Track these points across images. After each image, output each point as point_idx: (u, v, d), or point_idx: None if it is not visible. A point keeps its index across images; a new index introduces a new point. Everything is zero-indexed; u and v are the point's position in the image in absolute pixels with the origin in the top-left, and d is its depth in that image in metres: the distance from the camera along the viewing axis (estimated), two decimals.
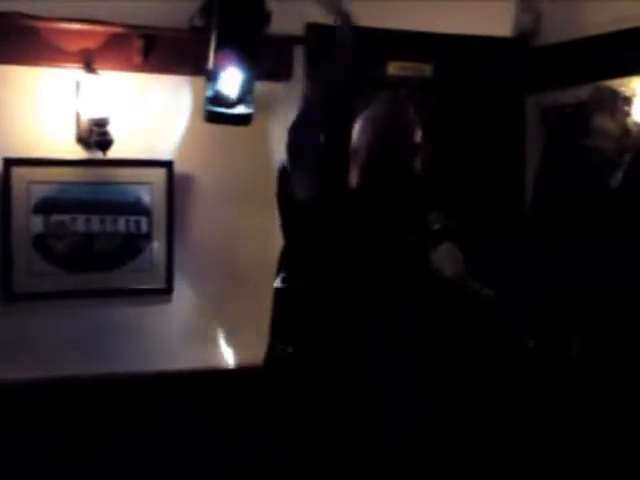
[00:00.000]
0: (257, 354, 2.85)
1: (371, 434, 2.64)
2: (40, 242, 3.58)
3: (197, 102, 3.70)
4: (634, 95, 3.61)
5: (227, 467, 3.61)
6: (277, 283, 2.70)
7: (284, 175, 2.78)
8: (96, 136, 3.55)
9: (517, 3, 4.28)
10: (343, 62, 3.03)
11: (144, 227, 3.73)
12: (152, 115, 3.74)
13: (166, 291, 3.79)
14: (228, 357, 3.87)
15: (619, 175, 3.51)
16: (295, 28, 3.89)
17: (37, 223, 3.57)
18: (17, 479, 3.51)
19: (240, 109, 3.56)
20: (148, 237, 3.75)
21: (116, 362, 3.67)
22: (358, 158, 2.68)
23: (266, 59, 3.55)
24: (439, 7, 4.07)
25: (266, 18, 3.48)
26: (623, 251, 3.21)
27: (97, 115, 3.55)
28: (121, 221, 3.69)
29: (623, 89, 3.64)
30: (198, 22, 3.58)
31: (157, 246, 3.75)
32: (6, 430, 3.49)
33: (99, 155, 3.59)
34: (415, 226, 2.64)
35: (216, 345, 3.86)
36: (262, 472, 2.81)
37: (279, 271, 2.73)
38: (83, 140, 3.61)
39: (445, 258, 2.60)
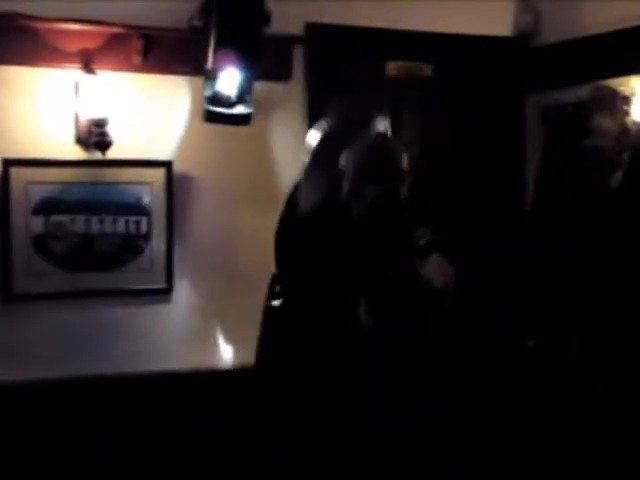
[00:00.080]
0: None
1: (376, 425, 2.63)
2: (39, 243, 3.58)
3: (196, 102, 3.70)
4: (633, 94, 3.61)
5: (228, 467, 3.61)
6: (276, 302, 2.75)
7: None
8: (95, 136, 3.55)
9: (517, 3, 4.28)
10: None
11: (144, 227, 3.73)
12: (151, 115, 3.73)
13: (166, 291, 3.79)
14: (228, 357, 3.87)
15: (619, 175, 3.51)
16: (295, 28, 3.90)
17: (36, 224, 3.57)
18: (17, 479, 3.51)
19: (239, 109, 3.56)
20: (148, 237, 3.74)
21: (116, 362, 3.66)
22: (346, 179, 2.70)
23: (265, 59, 3.55)
24: (439, 7, 4.07)
25: (265, 18, 3.48)
26: (623, 251, 3.21)
27: (96, 115, 3.54)
28: (121, 221, 3.69)
29: (622, 88, 3.64)
30: (197, 22, 3.58)
31: (157, 246, 3.74)
32: (6, 430, 3.49)
33: (98, 155, 3.58)
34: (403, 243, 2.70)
35: (216, 345, 3.86)
36: (262, 472, 2.81)
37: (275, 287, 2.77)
38: (82, 141, 3.60)
39: (435, 270, 2.67)
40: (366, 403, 2.66)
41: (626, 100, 3.62)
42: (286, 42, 3.87)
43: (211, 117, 3.56)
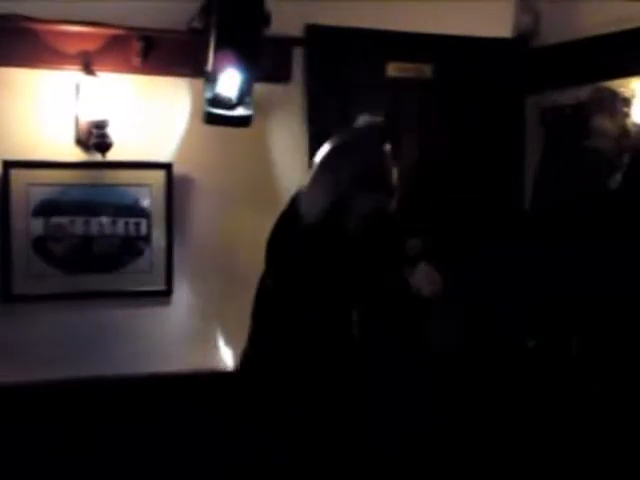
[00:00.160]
0: None
1: (371, 434, 2.64)
2: (39, 244, 3.58)
3: (196, 104, 3.70)
4: (633, 96, 3.62)
5: (228, 469, 3.61)
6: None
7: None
8: (95, 138, 3.55)
9: (516, 4, 4.28)
10: None
11: (143, 229, 3.73)
12: (151, 117, 3.74)
13: (165, 293, 3.79)
14: (228, 359, 3.87)
15: (618, 176, 3.51)
16: (294, 29, 3.90)
17: (36, 225, 3.57)
18: None
19: (239, 111, 3.57)
20: (147, 239, 3.74)
21: (116, 364, 3.66)
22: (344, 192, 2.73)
23: (265, 61, 3.55)
24: (439, 8, 4.07)
25: (265, 19, 3.47)
26: (622, 251, 3.21)
27: (96, 117, 3.54)
28: (120, 223, 3.69)
29: (622, 90, 3.65)
30: (197, 24, 3.58)
31: (156, 248, 3.74)
32: (6, 432, 3.49)
33: (98, 157, 3.58)
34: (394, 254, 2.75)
35: (216, 347, 3.85)
36: (262, 475, 2.81)
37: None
38: (82, 142, 3.60)
39: (423, 279, 2.70)
40: (364, 413, 2.67)
41: (626, 101, 3.62)
42: (286, 44, 3.87)
43: (211, 119, 3.57)
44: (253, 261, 3.76)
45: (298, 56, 3.94)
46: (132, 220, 3.72)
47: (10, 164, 3.52)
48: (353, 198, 2.66)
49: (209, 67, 3.46)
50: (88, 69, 3.56)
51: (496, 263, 3.39)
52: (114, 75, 3.62)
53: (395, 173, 2.72)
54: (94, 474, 3.58)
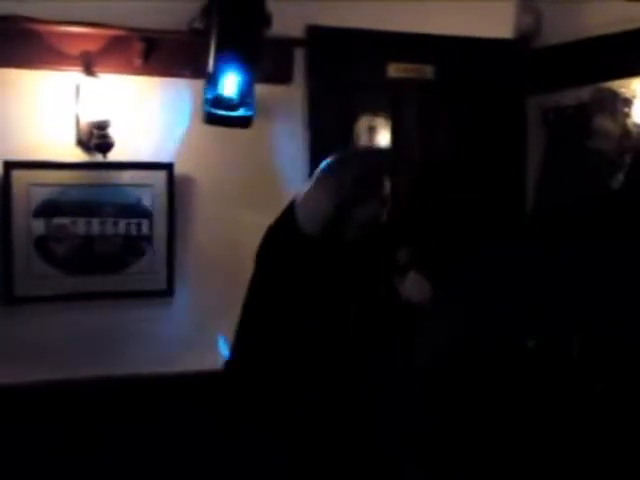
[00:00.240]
0: None
1: (371, 435, 2.65)
2: (41, 245, 3.59)
3: (197, 104, 3.70)
4: (634, 96, 3.62)
5: (229, 470, 3.61)
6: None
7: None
8: (96, 139, 3.55)
9: (518, 4, 4.28)
10: None
11: (145, 229, 3.73)
12: (152, 118, 3.74)
13: (167, 293, 3.79)
14: None
15: (620, 176, 3.52)
16: (295, 30, 3.90)
17: (38, 226, 3.57)
18: None
19: (240, 111, 3.57)
20: (149, 239, 3.74)
21: (117, 364, 3.67)
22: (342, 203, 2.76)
23: (266, 61, 3.56)
24: (440, 9, 4.07)
25: (266, 20, 3.48)
26: (624, 252, 3.21)
27: (97, 118, 3.55)
28: (122, 223, 3.69)
29: (623, 90, 3.65)
30: (198, 25, 3.58)
31: (158, 248, 3.75)
32: (6, 432, 3.49)
33: (99, 158, 3.59)
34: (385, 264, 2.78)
35: (217, 347, 3.85)
36: (263, 475, 2.81)
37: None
38: (83, 143, 3.61)
39: (413, 288, 2.72)
40: (363, 414, 2.69)
41: (627, 102, 3.63)
42: (287, 44, 3.88)
43: (212, 119, 3.57)
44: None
45: (299, 57, 3.94)
46: (133, 220, 3.72)
47: (11, 165, 3.53)
48: (355, 203, 2.68)
49: (210, 68, 3.46)
50: (89, 70, 3.56)
51: (497, 263, 3.39)
52: (115, 76, 3.63)
53: (388, 186, 2.75)
54: (96, 476, 3.58)
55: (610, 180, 3.56)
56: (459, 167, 4.25)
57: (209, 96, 3.52)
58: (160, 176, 3.74)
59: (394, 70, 4.12)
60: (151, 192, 3.73)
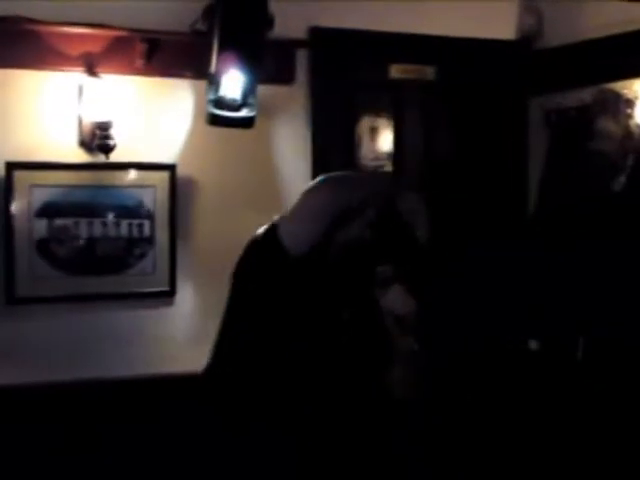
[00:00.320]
0: None
1: (379, 433, 2.65)
2: (43, 246, 3.58)
3: (200, 105, 3.70)
4: (637, 97, 3.62)
5: (232, 471, 3.60)
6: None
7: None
8: (99, 140, 3.55)
9: (520, 5, 4.28)
10: None
11: (147, 230, 3.73)
12: (155, 119, 3.74)
13: (169, 294, 3.79)
14: None
15: (622, 178, 3.52)
16: (298, 31, 3.90)
17: (40, 227, 3.57)
18: None
19: (243, 112, 3.56)
20: (151, 241, 3.74)
21: (119, 365, 3.67)
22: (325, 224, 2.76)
23: (269, 62, 3.56)
24: (442, 10, 4.07)
25: (269, 21, 3.48)
26: (626, 253, 3.21)
27: (100, 119, 3.55)
28: (124, 225, 3.69)
29: (626, 92, 3.65)
30: (200, 25, 3.58)
31: (160, 249, 3.74)
32: (7, 433, 3.49)
33: (102, 159, 3.59)
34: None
35: None
36: (268, 477, 2.81)
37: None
38: (86, 144, 3.61)
39: (397, 300, 2.71)
40: (371, 411, 2.69)
41: (629, 103, 3.63)
42: (289, 45, 3.88)
43: (215, 120, 3.56)
44: None
45: (302, 58, 3.94)
46: (136, 221, 3.72)
47: (13, 165, 3.52)
48: (341, 225, 2.67)
49: (212, 69, 3.46)
50: (91, 71, 3.56)
51: (498, 264, 3.39)
52: (117, 77, 3.62)
53: (375, 210, 2.75)
54: (97, 475, 3.58)
55: (612, 181, 3.56)
56: (461, 168, 4.26)
57: (211, 97, 3.51)
58: (162, 177, 3.73)
59: (396, 71, 4.13)
60: (153, 193, 3.72)
